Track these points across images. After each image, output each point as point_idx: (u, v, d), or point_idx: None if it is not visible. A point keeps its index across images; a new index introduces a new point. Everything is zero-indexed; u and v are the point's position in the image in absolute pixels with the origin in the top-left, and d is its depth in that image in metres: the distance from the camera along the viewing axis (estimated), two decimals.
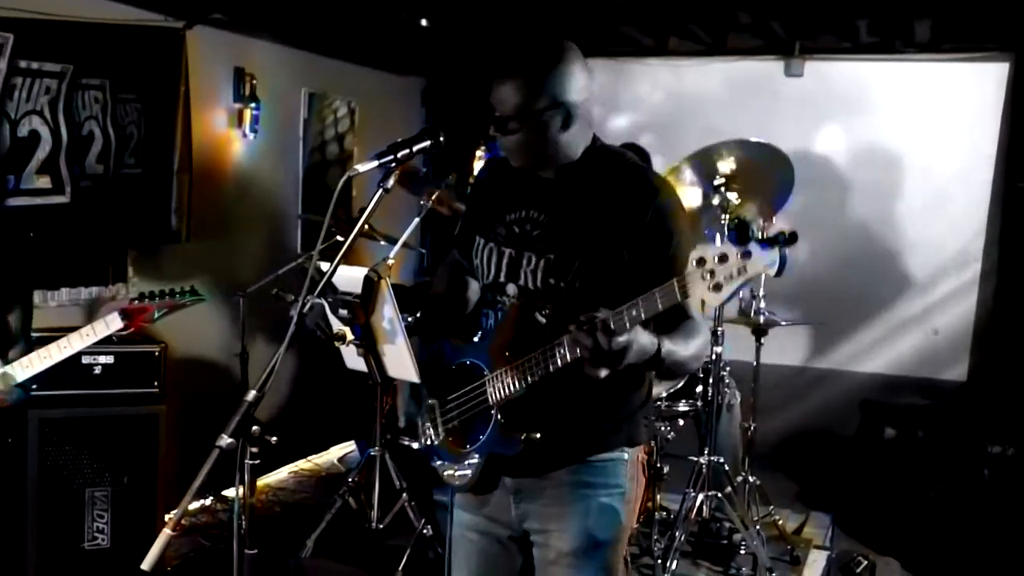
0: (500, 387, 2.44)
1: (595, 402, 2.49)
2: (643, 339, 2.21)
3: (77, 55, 4.60)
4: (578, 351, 2.20)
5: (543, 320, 2.44)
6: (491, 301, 2.61)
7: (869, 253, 6.86)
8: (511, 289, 2.53)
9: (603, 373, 2.18)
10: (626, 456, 2.56)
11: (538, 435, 2.41)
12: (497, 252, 2.57)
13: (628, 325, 2.13)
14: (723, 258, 1.98)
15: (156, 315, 3.36)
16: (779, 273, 1.97)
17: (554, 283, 2.45)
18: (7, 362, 3.19)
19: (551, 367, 2.32)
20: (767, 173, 4.85)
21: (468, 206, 2.83)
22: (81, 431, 4.17)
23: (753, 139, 4.85)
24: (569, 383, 2.37)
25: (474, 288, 2.78)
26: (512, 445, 2.44)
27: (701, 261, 2.00)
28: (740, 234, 1.91)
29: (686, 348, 2.35)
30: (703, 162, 4.73)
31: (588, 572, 2.52)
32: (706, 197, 4.76)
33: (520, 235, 2.54)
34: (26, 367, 3.14)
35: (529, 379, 2.37)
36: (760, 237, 1.98)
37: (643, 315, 2.12)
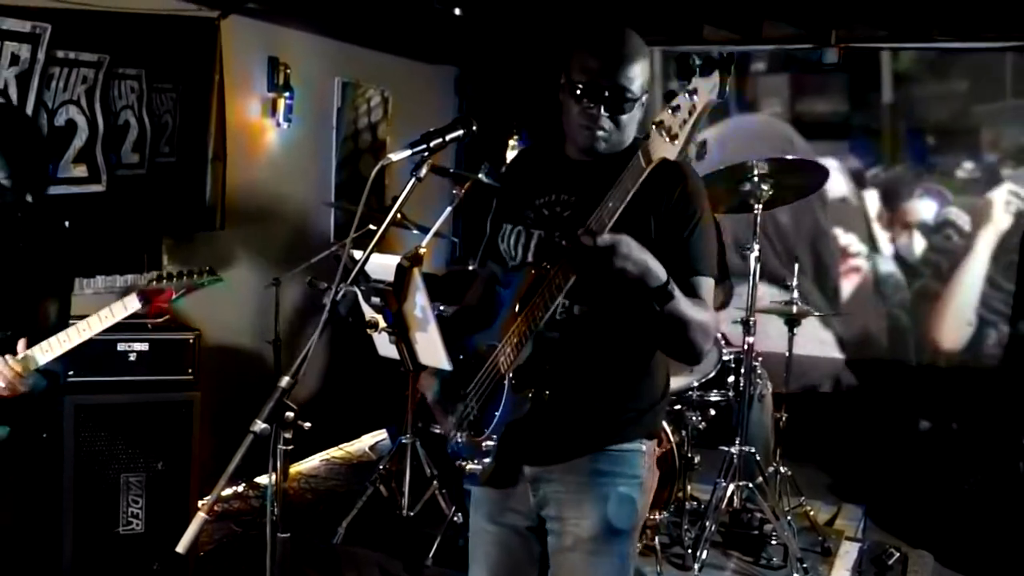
0: (509, 349, 2.43)
1: (617, 392, 2.50)
2: (648, 260, 2.20)
3: (114, 45, 4.63)
4: (569, 271, 2.22)
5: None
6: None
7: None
8: None
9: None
10: (644, 447, 2.56)
11: (547, 392, 2.40)
12: (526, 234, 2.57)
13: (607, 220, 2.14)
14: (675, 109, 2.01)
15: (175, 297, 3.31)
16: (721, 95, 1.99)
17: (559, 241, 2.43)
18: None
19: (550, 302, 2.31)
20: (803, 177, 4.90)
21: (497, 200, 2.82)
22: (116, 417, 4.21)
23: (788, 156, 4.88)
24: (597, 373, 2.40)
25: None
26: (521, 405, 2.42)
27: (659, 124, 2.03)
28: (681, 68, 1.94)
29: (691, 309, 2.32)
30: (734, 172, 4.72)
31: (606, 559, 2.52)
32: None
33: (550, 217, 2.54)
34: (46, 351, 3.13)
35: (534, 327, 2.35)
36: (698, 64, 1.98)
37: (618, 202, 2.14)
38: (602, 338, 2.39)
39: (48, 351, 3.11)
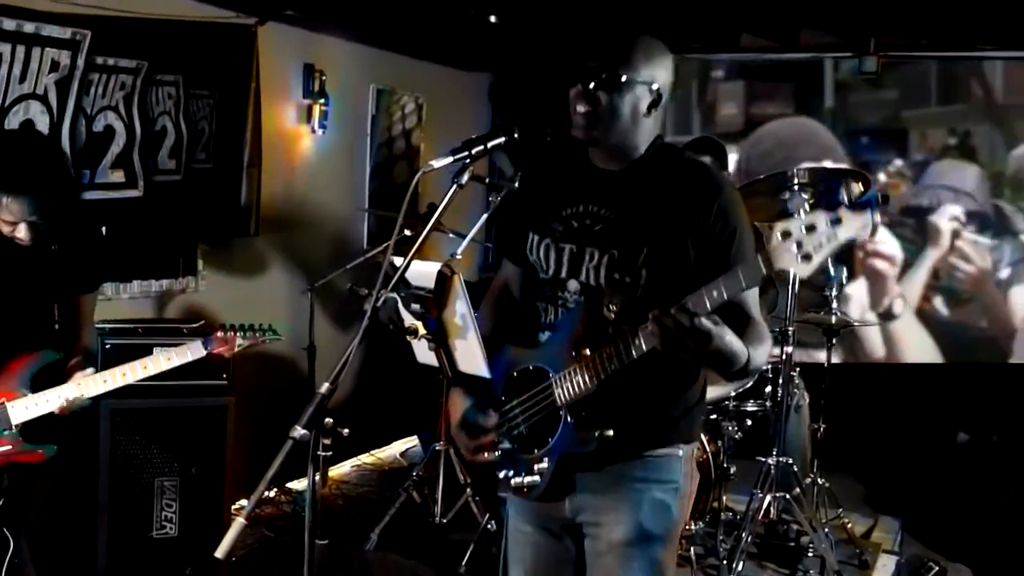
0: (569, 387, 2.40)
1: (653, 398, 2.48)
2: (734, 343, 2.21)
3: (152, 51, 4.66)
4: (655, 341, 2.16)
5: (611, 316, 2.40)
6: (550, 296, 2.58)
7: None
8: (572, 285, 2.51)
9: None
10: (681, 452, 2.55)
11: (611, 432, 2.38)
12: (556, 248, 2.55)
13: (709, 305, 2.11)
14: (811, 228, 1.96)
15: (237, 349, 3.50)
16: (872, 234, 1.95)
17: (619, 278, 2.42)
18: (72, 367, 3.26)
19: (625, 360, 2.28)
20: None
21: (517, 202, 2.79)
22: (151, 421, 4.22)
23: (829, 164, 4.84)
24: (634, 379, 2.36)
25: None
26: (586, 444, 2.40)
27: (786, 234, 1.98)
28: (829, 200, 1.89)
29: (758, 354, 2.33)
30: (774, 182, 4.68)
31: (639, 564, 2.50)
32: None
33: (580, 230, 2.52)
34: (106, 382, 3.23)
35: (602, 375, 2.33)
36: (850, 201, 1.95)
37: (725, 294, 2.10)
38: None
39: (107, 383, 3.22)
